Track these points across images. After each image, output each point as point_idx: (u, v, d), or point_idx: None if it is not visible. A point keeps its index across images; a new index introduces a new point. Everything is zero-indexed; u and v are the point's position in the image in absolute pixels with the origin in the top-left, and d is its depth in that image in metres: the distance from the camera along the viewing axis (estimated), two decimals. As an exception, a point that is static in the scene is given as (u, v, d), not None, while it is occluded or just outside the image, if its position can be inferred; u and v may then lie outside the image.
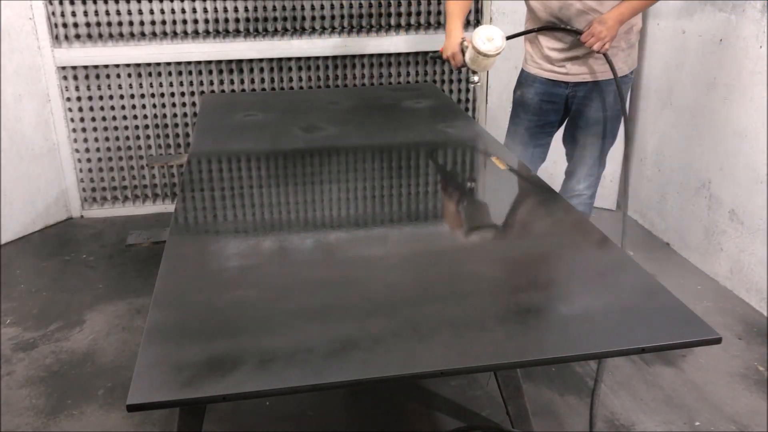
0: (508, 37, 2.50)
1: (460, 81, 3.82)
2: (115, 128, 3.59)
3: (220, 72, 3.57)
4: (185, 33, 3.47)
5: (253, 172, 2.25)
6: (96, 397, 2.28)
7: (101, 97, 3.52)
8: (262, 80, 3.64)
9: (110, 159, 3.64)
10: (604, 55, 2.43)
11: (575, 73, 2.56)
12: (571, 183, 2.78)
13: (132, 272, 3.09)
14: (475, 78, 2.50)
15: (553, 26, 2.51)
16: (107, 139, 3.60)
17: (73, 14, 3.35)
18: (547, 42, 2.56)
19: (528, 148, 2.74)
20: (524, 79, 2.72)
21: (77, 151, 3.59)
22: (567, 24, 2.48)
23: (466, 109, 3.89)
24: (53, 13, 3.33)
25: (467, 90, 3.86)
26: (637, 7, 2.41)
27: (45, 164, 3.49)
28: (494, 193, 2.11)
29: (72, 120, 3.53)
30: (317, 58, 3.62)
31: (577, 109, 2.64)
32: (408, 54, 3.70)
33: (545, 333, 1.35)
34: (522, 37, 2.66)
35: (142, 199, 3.75)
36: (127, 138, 3.62)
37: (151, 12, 3.41)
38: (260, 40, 3.53)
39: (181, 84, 3.57)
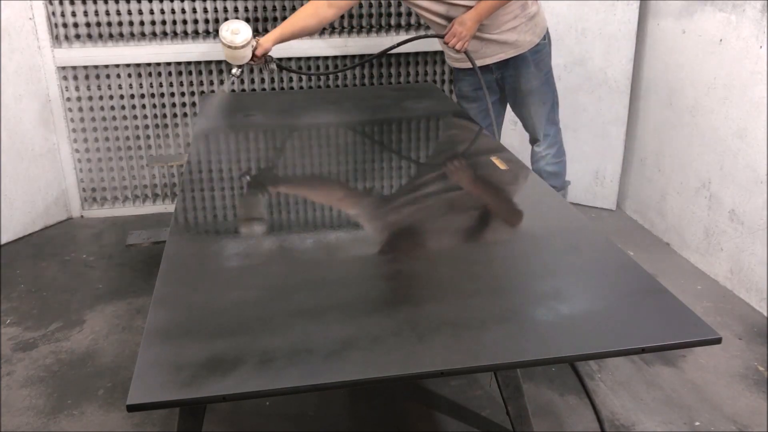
0: (382, 53, 3.07)
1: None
2: (115, 128, 3.59)
3: (220, 72, 3.57)
4: (185, 33, 3.47)
5: (253, 172, 2.25)
6: (96, 397, 2.28)
7: (101, 97, 3.52)
8: (262, 80, 3.64)
9: (110, 159, 3.64)
10: (465, 52, 2.68)
11: (491, 54, 2.79)
12: (533, 149, 3.06)
13: (132, 272, 3.09)
14: (235, 70, 2.70)
15: (416, 37, 2.86)
16: (107, 139, 3.60)
17: (73, 14, 3.35)
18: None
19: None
20: (455, 74, 3.02)
21: (77, 151, 3.59)
22: (443, 22, 2.69)
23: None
24: (53, 13, 3.33)
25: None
26: (493, 6, 2.61)
27: (45, 164, 3.49)
28: (494, 193, 2.11)
29: (72, 120, 3.53)
30: (317, 58, 3.62)
31: (508, 86, 2.91)
32: (408, 54, 3.70)
33: (545, 333, 1.35)
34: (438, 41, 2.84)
35: (142, 199, 3.75)
36: (127, 138, 3.62)
37: (151, 12, 3.41)
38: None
39: (181, 84, 3.57)
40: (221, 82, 3.60)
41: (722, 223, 2.90)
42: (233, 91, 3.61)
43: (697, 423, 2.15)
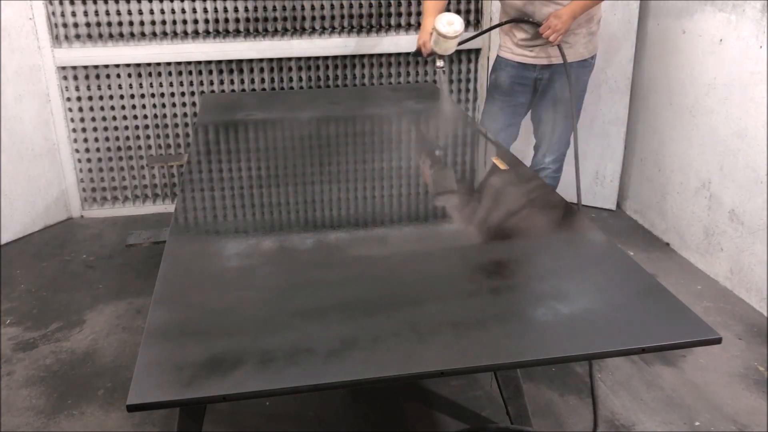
0: (484, 31, 3.26)
1: (460, 81, 3.82)
2: (115, 128, 3.59)
3: (220, 72, 3.58)
4: (185, 33, 3.48)
5: (253, 172, 2.25)
6: (96, 397, 2.28)
7: (101, 97, 3.52)
8: (262, 80, 3.64)
9: (110, 159, 3.64)
10: (558, 46, 2.81)
11: (541, 56, 2.90)
12: (537, 157, 3.12)
13: (132, 272, 3.09)
14: (440, 63, 2.84)
15: (518, 19, 2.87)
16: (107, 139, 3.60)
17: (73, 14, 3.35)
18: (516, 31, 2.92)
19: (501, 127, 3.04)
20: (498, 63, 3.07)
21: (77, 151, 3.59)
22: (531, 17, 2.83)
23: (467, 109, 3.89)
24: (53, 13, 3.34)
25: (467, 90, 3.86)
26: (587, 5, 2.77)
27: (45, 164, 3.49)
28: (494, 193, 2.11)
29: (72, 120, 3.53)
30: (317, 58, 3.62)
31: (542, 90, 2.98)
32: (408, 54, 3.70)
33: (545, 333, 1.35)
34: (499, 30, 3.02)
35: (142, 199, 3.75)
36: (127, 138, 3.62)
37: (151, 12, 3.41)
38: (260, 40, 3.53)
39: (181, 84, 3.57)
40: (221, 82, 3.60)
41: (722, 223, 2.90)
42: (233, 91, 3.61)
43: (697, 423, 2.15)
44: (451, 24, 2.63)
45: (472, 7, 3.69)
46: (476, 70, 3.82)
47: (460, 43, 2.82)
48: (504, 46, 3.02)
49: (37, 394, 2.30)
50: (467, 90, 3.85)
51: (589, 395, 2.26)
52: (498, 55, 3.07)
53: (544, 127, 3.04)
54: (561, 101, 2.94)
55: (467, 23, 3.56)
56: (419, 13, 3.61)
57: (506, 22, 2.91)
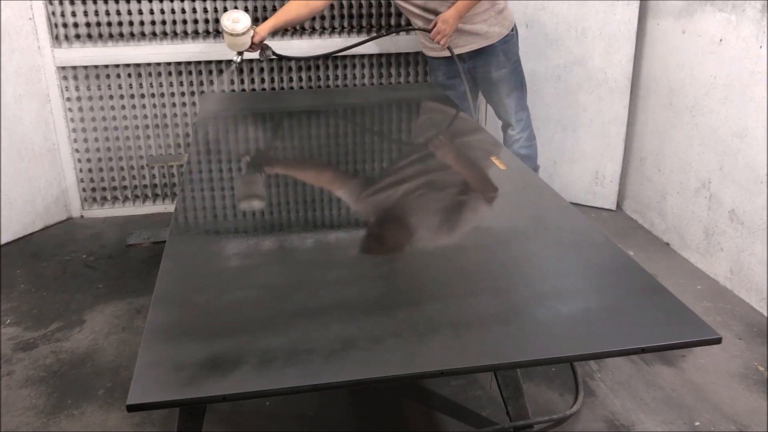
0: (371, 38, 3.34)
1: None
2: (115, 128, 3.59)
3: (220, 72, 3.57)
4: (185, 33, 3.47)
5: (253, 169, 2.25)
6: (96, 397, 2.28)
7: (101, 97, 3.52)
8: (262, 80, 3.64)
9: (110, 159, 3.64)
10: (448, 48, 2.97)
11: (461, 45, 3.03)
12: (506, 133, 3.27)
13: (132, 272, 3.09)
14: (236, 58, 2.93)
15: (404, 28, 3.14)
16: (107, 139, 3.60)
17: (73, 14, 3.35)
18: (421, 35, 3.07)
19: None
20: (431, 64, 3.27)
21: (77, 151, 3.59)
22: (434, 11, 2.93)
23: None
24: (53, 13, 3.33)
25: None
26: (471, 4, 2.89)
27: (45, 164, 3.49)
28: (493, 193, 2.11)
29: (72, 120, 3.53)
30: (317, 58, 3.62)
31: (480, 75, 3.15)
32: (408, 54, 3.70)
33: (545, 333, 1.35)
34: (418, 33, 3.16)
35: (142, 199, 3.75)
36: (127, 138, 3.62)
37: (151, 12, 3.41)
38: (260, 40, 3.52)
39: (181, 84, 3.57)
40: (221, 82, 3.59)
41: (722, 223, 2.90)
42: (233, 91, 3.61)
43: (697, 423, 2.15)
44: (237, 21, 2.73)
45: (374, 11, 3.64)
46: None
47: (358, 44, 3.12)
48: (424, 46, 3.17)
49: (37, 394, 2.30)
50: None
51: (589, 395, 2.27)
52: (427, 56, 3.22)
53: (498, 106, 3.23)
54: (501, 79, 3.11)
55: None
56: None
57: (393, 31, 3.14)
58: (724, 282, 2.92)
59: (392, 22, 3.63)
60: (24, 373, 2.40)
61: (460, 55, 3.05)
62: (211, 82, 3.59)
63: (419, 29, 3.02)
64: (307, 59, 3.54)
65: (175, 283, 1.53)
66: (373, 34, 3.59)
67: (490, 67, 3.09)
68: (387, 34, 3.32)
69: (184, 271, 1.61)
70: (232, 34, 2.73)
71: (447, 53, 3.03)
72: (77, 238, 3.44)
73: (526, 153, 3.22)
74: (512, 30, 3.10)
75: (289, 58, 3.29)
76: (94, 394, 2.29)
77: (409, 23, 3.19)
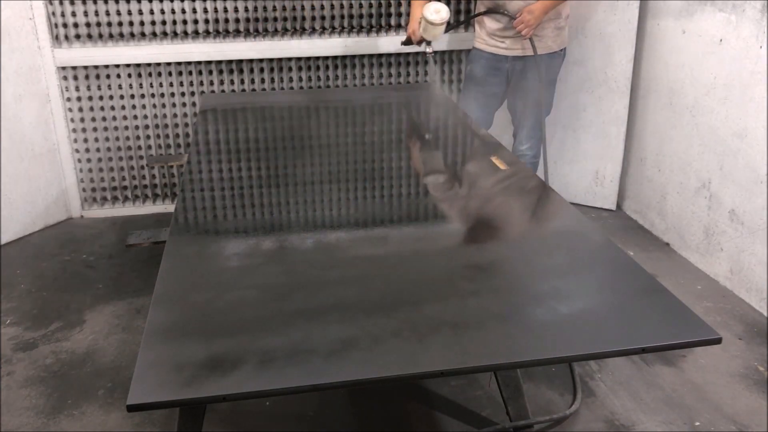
0: (463, 20, 3.55)
1: (459, 81, 3.82)
2: (115, 128, 3.59)
3: (220, 72, 3.57)
4: (185, 33, 3.47)
5: (253, 172, 2.25)
6: (96, 397, 2.28)
7: (101, 97, 3.52)
8: (262, 80, 3.64)
9: (110, 159, 3.64)
10: (530, 39, 3.01)
11: (512, 48, 3.09)
12: (515, 144, 3.31)
13: (132, 272, 3.09)
14: (429, 49, 3.08)
15: (495, 10, 3.06)
16: (107, 139, 3.60)
17: (73, 14, 3.35)
18: (490, 23, 3.10)
19: (475, 117, 3.15)
20: (473, 55, 3.26)
21: (77, 151, 3.59)
22: (505, 9, 3.02)
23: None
24: (53, 13, 3.33)
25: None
26: (558, 2, 2.98)
27: (45, 164, 3.49)
28: (494, 193, 2.11)
29: (72, 120, 3.53)
30: (317, 58, 3.62)
31: (515, 81, 3.18)
32: (408, 54, 3.70)
33: (545, 333, 1.35)
34: (475, 22, 3.25)
35: (142, 199, 3.75)
36: (127, 138, 3.62)
37: (151, 12, 3.41)
38: (260, 40, 3.53)
39: (181, 84, 3.57)
40: (221, 82, 3.60)
41: (722, 223, 2.90)
42: (233, 91, 3.61)
43: (697, 423, 2.15)
44: (438, 12, 2.87)
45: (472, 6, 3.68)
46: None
47: (445, 31, 3.11)
48: (478, 37, 3.20)
49: (37, 394, 2.30)
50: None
51: (589, 395, 2.27)
52: (473, 47, 3.25)
53: (520, 116, 3.25)
54: (533, 91, 3.14)
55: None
56: (419, 13, 3.61)
57: (483, 13, 3.10)
58: (724, 282, 2.92)
59: (392, 22, 3.63)
60: (24, 373, 2.40)
61: (505, 56, 3.12)
62: (211, 82, 3.59)
63: (505, 14, 3.02)
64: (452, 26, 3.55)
65: (175, 283, 1.53)
66: (373, 36, 3.59)
67: (528, 76, 3.13)
68: (472, 17, 3.33)
69: (184, 271, 1.61)
70: (432, 24, 2.88)
71: (497, 49, 3.10)
72: (77, 238, 3.44)
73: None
74: (562, 51, 3.17)
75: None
76: (94, 394, 2.29)
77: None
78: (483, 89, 3.21)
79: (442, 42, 3.62)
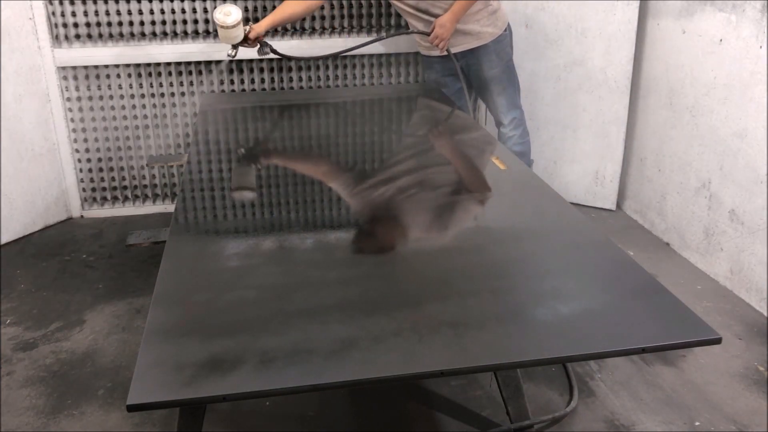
0: (380, 38, 3.40)
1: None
2: (115, 128, 3.59)
3: (220, 72, 3.57)
4: (185, 33, 3.47)
5: (252, 172, 2.25)
6: (96, 397, 2.28)
7: (101, 97, 3.52)
8: (262, 80, 3.64)
9: (110, 159, 3.64)
10: (447, 50, 3.04)
11: (456, 44, 3.08)
12: (499, 131, 3.32)
13: (132, 272, 3.09)
14: (231, 52, 2.94)
15: (406, 32, 3.22)
16: (107, 139, 3.60)
17: (73, 14, 3.35)
18: (418, 36, 3.14)
19: None
20: (425, 62, 3.34)
21: (77, 151, 3.59)
22: (426, 11, 3.01)
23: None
24: (53, 13, 3.33)
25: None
26: (466, 6, 2.95)
27: (45, 164, 3.48)
28: (494, 193, 2.11)
29: (72, 120, 3.53)
30: (316, 59, 3.61)
31: (473, 74, 3.20)
32: (408, 54, 3.70)
33: (545, 333, 1.35)
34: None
35: (142, 199, 3.75)
36: (127, 138, 3.62)
37: (151, 12, 3.41)
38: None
39: (181, 84, 3.57)
40: (221, 82, 3.60)
41: (722, 223, 2.90)
42: (233, 91, 3.61)
43: (697, 423, 2.15)
44: (229, 14, 2.78)
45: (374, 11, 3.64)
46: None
47: (359, 46, 3.15)
48: (419, 44, 3.24)
49: (37, 394, 2.30)
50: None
51: (589, 395, 2.27)
52: (422, 54, 3.29)
53: (491, 104, 3.28)
54: (493, 77, 3.16)
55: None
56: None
57: (394, 35, 3.23)
58: (724, 282, 2.92)
59: (392, 22, 3.63)
60: (24, 373, 2.40)
61: (454, 54, 3.11)
62: (211, 82, 3.59)
63: (418, 32, 3.07)
64: (306, 59, 3.54)
65: (175, 283, 1.53)
66: (374, 36, 3.59)
67: (482, 66, 3.15)
68: (387, 37, 3.41)
69: (184, 271, 1.61)
70: (223, 27, 2.78)
71: (440, 52, 3.08)
72: (77, 238, 3.44)
73: (519, 150, 3.26)
74: (505, 30, 3.16)
75: (288, 58, 3.30)
76: (94, 394, 2.29)
77: (407, 24, 3.22)
78: (447, 90, 3.24)
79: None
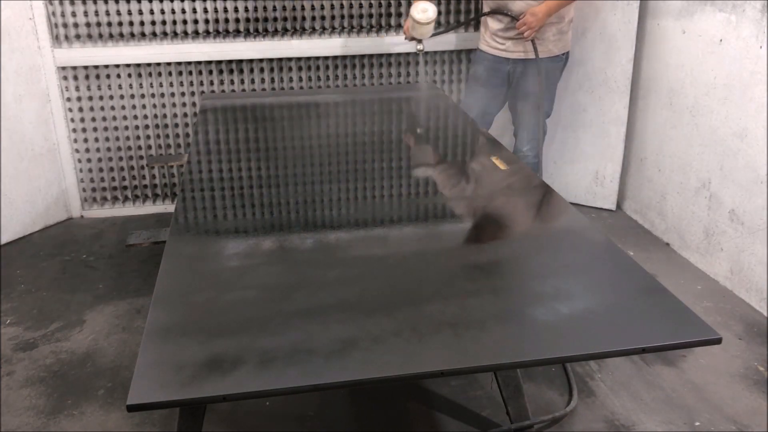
0: (464, 21, 3.56)
1: (460, 81, 3.82)
2: (115, 128, 3.59)
3: (220, 72, 3.57)
4: (185, 33, 3.47)
5: (253, 172, 2.25)
6: (96, 397, 2.28)
7: (101, 97, 3.52)
8: (262, 80, 3.64)
9: (110, 159, 3.64)
10: (531, 41, 3.03)
11: (513, 50, 3.12)
12: (516, 145, 3.33)
13: (132, 272, 3.09)
14: (420, 46, 3.12)
15: (497, 11, 3.10)
16: (107, 139, 3.60)
17: (73, 14, 3.35)
18: (493, 23, 3.13)
19: (476, 117, 3.20)
20: (477, 56, 3.32)
21: (77, 151, 3.59)
22: (509, 10, 3.04)
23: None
24: (53, 13, 3.33)
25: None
26: (561, 4, 3.00)
27: (45, 164, 3.49)
28: (494, 193, 2.11)
29: (72, 120, 3.53)
30: (317, 58, 3.62)
31: (516, 83, 3.20)
32: (408, 54, 3.70)
33: (545, 333, 1.35)
34: (481, 22, 3.28)
35: (142, 199, 3.75)
36: (127, 138, 3.62)
37: (151, 12, 3.41)
38: (260, 40, 3.53)
39: (181, 84, 3.57)
40: (221, 82, 3.60)
41: (722, 223, 2.90)
42: (233, 91, 3.61)
43: (697, 423, 2.15)
44: (425, 11, 2.90)
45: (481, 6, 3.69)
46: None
47: (442, 32, 3.31)
48: (482, 38, 3.25)
49: (37, 394, 2.30)
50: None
51: (589, 395, 2.27)
52: (478, 48, 3.30)
53: (520, 117, 3.27)
54: (534, 94, 3.17)
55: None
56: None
57: (486, 14, 3.14)
58: (724, 282, 2.92)
59: (392, 22, 3.63)
60: (24, 373, 2.40)
61: (506, 58, 3.15)
62: (212, 83, 3.59)
63: (509, 15, 3.05)
64: (440, 33, 3.53)
65: (175, 283, 1.53)
66: (380, 36, 3.59)
67: (528, 79, 3.15)
68: (475, 18, 3.47)
69: (184, 271, 1.61)
70: (419, 23, 2.93)
71: (499, 52, 3.14)
72: (77, 238, 3.44)
73: (529, 164, 3.26)
74: (564, 55, 3.20)
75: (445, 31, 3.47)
76: (94, 394, 2.29)
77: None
78: (485, 90, 3.24)
79: (448, 41, 3.62)
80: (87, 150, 3.60)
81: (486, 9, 3.16)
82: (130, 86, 3.52)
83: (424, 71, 3.59)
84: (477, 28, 3.68)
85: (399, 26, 3.64)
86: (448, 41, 3.64)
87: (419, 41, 3.09)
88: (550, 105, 3.28)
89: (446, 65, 3.78)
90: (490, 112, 3.31)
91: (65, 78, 3.45)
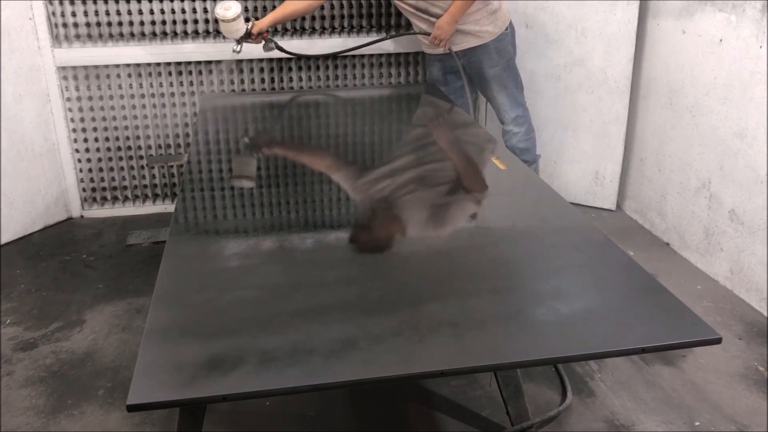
0: (375, 41, 3.41)
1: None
2: (115, 128, 3.59)
3: (220, 72, 3.57)
4: (185, 33, 3.47)
5: (254, 162, 2.25)
6: (96, 397, 2.28)
7: (101, 97, 3.52)
8: (262, 80, 3.64)
9: (110, 159, 3.64)
10: (449, 50, 3.11)
11: (456, 43, 3.14)
12: (503, 128, 3.36)
13: (132, 272, 3.09)
14: (236, 47, 3.09)
15: (408, 32, 3.31)
16: (107, 139, 3.60)
17: (73, 14, 3.35)
18: (421, 25, 3.14)
19: None
20: (427, 60, 3.40)
21: (77, 151, 3.59)
22: (426, 11, 3.06)
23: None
24: (53, 13, 3.33)
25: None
26: (464, 6, 2.99)
27: (45, 164, 3.48)
28: (493, 193, 2.11)
29: (72, 120, 3.53)
30: (317, 57, 3.62)
31: (474, 72, 3.25)
32: (408, 54, 3.70)
33: (545, 333, 1.35)
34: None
35: (142, 199, 3.75)
36: (127, 138, 3.62)
37: (151, 12, 3.41)
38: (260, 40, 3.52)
39: (181, 84, 3.57)
40: (221, 82, 3.60)
41: (722, 223, 2.90)
42: (233, 90, 3.61)
43: (697, 423, 2.15)
44: (228, 9, 2.87)
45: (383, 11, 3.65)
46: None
47: (342, 52, 3.34)
48: (423, 42, 3.27)
49: (37, 394, 2.30)
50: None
51: (589, 395, 2.26)
52: (425, 52, 3.34)
53: (493, 102, 3.32)
54: (494, 76, 3.21)
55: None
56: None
57: (393, 36, 3.29)
58: (724, 282, 2.92)
59: (392, 22, 3.63)
60: (24, 373, 2.40)
61: (455, 53, 3.17)
62: (212, 83, 3.59)
63: (420, 32, 3.14)
64: (308, 58, 3.55)
65: (175, 283, 1.53)
66: (374, 36, 3.59)
67: (483, 65, 3.19)
68: (390, 38, 3.46)
69: (184, 271, 1.61)
70: (223, 20, 2.85)
71: (443, 50, 3.15)
72: (77, 238, 3.44)
73: (524, 146, 3.32)
74: (506, 29, 3.19)
75: (292, 54, 3.36)
76: (94, 394, 2.29)
77: (409, 23, 3.26)
78: (447, 88, 3.30)
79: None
80: (87, 150, 3.60)
81: (407, 13, 3.16)
82: (130, 86, 3.52)
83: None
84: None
85: (399, 26, 3.64)
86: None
87: (237, 42, 3.05)
88: (517, 79, 3.30)
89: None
90: (464, 103, 3.30)
91: (65, 78, 3.45)
